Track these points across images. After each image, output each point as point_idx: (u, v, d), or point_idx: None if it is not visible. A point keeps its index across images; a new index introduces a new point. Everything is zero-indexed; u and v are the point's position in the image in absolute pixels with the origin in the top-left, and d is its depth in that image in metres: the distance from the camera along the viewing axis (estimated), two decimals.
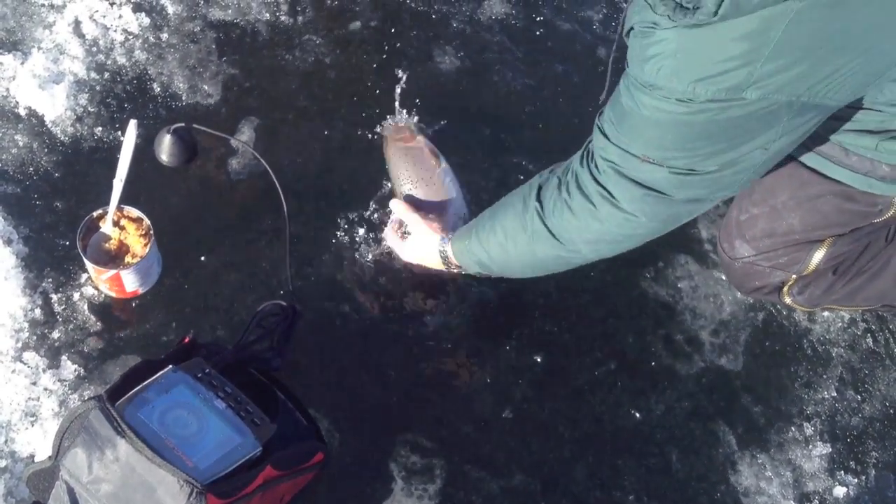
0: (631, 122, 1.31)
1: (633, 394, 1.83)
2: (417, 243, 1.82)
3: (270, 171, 1.74)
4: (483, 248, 1.65)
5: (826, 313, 1.92)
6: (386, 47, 2.14)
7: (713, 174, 1.32)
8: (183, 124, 1.69)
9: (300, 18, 2.15)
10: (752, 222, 1.77)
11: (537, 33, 2.22)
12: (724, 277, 1.93)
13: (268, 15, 2.14)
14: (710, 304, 1.91)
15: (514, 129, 2.08)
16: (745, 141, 1.28)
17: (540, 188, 1.54)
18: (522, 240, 1.57)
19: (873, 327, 1.92)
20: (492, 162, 2.03)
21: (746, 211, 1.77)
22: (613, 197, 1.41)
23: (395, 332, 1.83)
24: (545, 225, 1.52)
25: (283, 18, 2.14)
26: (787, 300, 1.85)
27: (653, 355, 1.87)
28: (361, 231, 1.90)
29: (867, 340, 1.92)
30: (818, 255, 1.74)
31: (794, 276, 1.79)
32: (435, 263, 1.81)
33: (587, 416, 1.79)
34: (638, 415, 1.80)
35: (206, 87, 2.02)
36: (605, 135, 1.38)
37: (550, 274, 1.64)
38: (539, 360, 1.83)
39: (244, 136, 1.97)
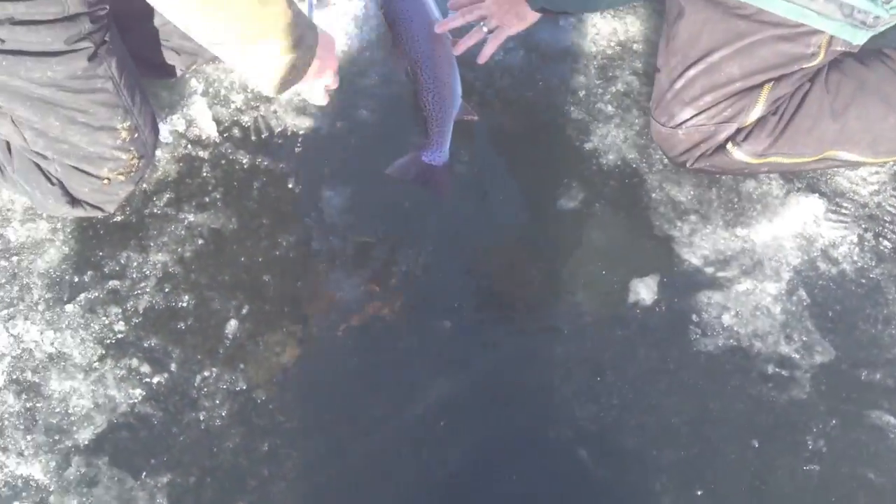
0: None
1: None
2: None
3: None
4: None
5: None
6: None
7: None
8: None
9: None
10: (691, 85, 1.81)
11: None
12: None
13: None
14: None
15: None
16: None
17: None
18: None
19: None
20: None
21: (682, 77, 1.81)
22: None
23: None
24: None
25: None
26: (735, 153, 1.85)
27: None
28: None
29: None
30: (761, 102, 1.79)
31: (735, 127, 1.82)
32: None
33: None
34: None
35: None
36: None
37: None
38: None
39: None
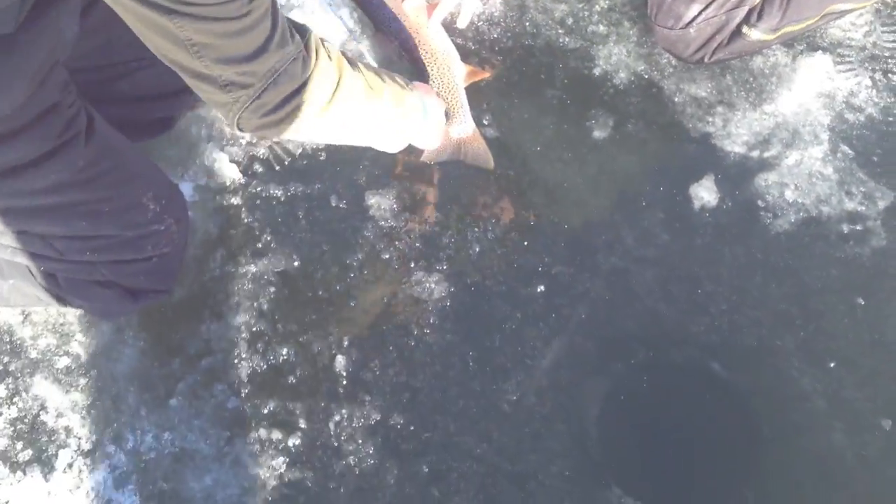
0: None
1: None
2: None
3: None
4: None
5: None
6: None
7: None
8: None
9: None
10: None
11: None
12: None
13: None
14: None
15: None
16: None
17: None
18: None
19: None
20: None
21: None
22: None
23: None
24: None
25: None
26: (752, 34, 1.87)
27: None
28: None
29: None
30: None
31: (746, 9, 1.84)
32: None
33: None
34: None
35: None
36: None
37: None
38: None
39: None
